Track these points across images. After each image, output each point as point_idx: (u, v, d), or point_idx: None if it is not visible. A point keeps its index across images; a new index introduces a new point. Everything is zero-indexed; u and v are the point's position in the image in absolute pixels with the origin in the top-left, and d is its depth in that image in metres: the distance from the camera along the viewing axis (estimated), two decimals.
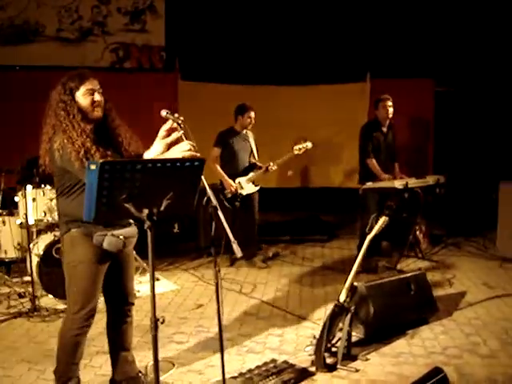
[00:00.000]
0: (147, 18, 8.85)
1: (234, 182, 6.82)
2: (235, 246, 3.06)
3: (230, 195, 6.79)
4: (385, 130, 6.95)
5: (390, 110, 6.79)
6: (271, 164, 6.84)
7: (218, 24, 8.79)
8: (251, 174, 6.91)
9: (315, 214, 9.18)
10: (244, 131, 6.96)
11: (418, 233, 7.27)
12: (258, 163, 6.98)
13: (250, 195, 6.92)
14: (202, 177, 3.00)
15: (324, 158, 8.88)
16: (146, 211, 2.79)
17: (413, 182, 6.58)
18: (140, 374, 3.79)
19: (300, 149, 6.90)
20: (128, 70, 8.74)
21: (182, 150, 3.12)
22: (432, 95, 8.94)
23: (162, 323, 2.92)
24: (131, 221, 3.41)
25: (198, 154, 3.07)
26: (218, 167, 6.83)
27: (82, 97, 3.31)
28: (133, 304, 3.73)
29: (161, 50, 8.97)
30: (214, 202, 3.08)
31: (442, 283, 6.05)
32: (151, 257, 2.86)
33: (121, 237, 3.33)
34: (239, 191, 6.82)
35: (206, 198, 3.13)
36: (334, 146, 8.84)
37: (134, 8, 8.79)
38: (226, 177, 6.79)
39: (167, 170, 2.78)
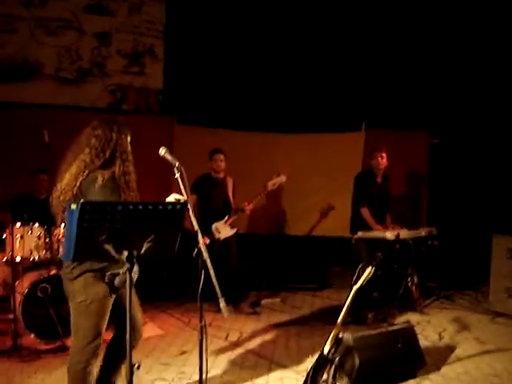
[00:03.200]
0: (146, 61, 8.94)
1: (211, 226, 6.81)
2: (222, 305, 2.99)
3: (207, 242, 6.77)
4: (379, 180, 6.98)
5: (382, 161, 6.84)
6: (245, 204, 6.86)
7: (216, 69, 8.87)
8: (226, 217, 6.93)
9: (309, 262, 9.11)
10: (221, 176, 7.01)
11: (409, 285, 7.18)
12: (233, 206, 7.00)
13: (227, 239, 6.90)
14: (198, 229, 3.01)
15: (317, 206, 8.85)
16: (125, 253, 2.77)
17: (404, 233, 6.58)
18: None
19: (274, 184, 6.97)
20: (125, 111, 8.78)
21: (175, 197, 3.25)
22: (427, 147, 8.97)
23: (137, 369, 2.88)
24: None
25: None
26: (192, 216, 6.82)
27: None
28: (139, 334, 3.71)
29: (158, 93, 9.05)
30: (205, 255, 3.04)
31: (432, 336, 5.96)
32: (129, 299, 2.82)
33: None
34: (216, 236, 6.82)
35: (196, 250, 3.11)
36: (327, 195, 8.83)
37: (133, 51, 8.88)
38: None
39: (148, 212, 2.76)
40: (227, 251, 6.93)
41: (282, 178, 7.03)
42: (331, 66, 9.04)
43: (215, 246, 6.81)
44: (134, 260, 2.79)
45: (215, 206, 6.99)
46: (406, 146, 8.58)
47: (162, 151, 3.36)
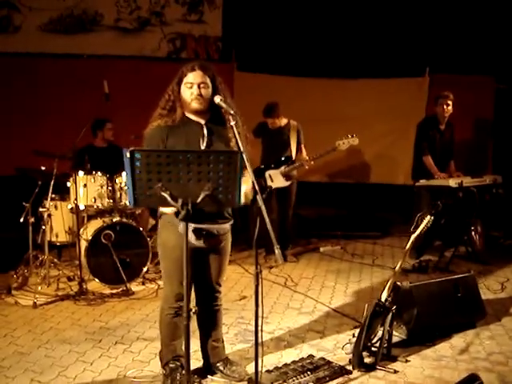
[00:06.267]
0: (204, 8, 8.85)
1: (265, 174, 6.77)
2: (277, 252, 2.98)
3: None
4: (442, 127, 6.80)
5: (448, 108, 6.64)
6: (307, 159, 6.69)
7: (275, 16, 8.72)
8: (283, 168, 6.80)
9: (371, 210, 9.05)
10: (279, 124, 6.86)
11: (473, 234, 7.03)
12: (294, 158, 6.84)
13: (285, 189, 6.83)
14: (254, 179, 3.00)
15: (379, 153, 8.74)
16: (180, 201, 2.78)
17: (468, 181, 6.43)
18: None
19: (344, 143, 6.57)
20: (185, 60, 8.78)
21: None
22: (492, 93, 8.67)
23: (194, 313, 2.95)
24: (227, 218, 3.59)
25: None
26: (248, 165, 6.75)
27: (183, 88, 3.43)
28: (218, 292, 3.82)
29: (217, 40, 8.98)
30: (260, 202, 3.03)
31: (494, 287, 5.85)
32: (186, 248, 2.85)
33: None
34: (268, 183, 6.73)
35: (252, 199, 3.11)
36: (389, 142, 8.69)
37: None
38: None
39: (200, 161, 2.74)
40: (284, 200, 6.89)
41: (355, 140, 6.55)
42: (396, 11, 8.74)
43: (264, 192, 6.77)
44: (189, 208, 2.80)
45: (273, 155, 6.85)
46: (471, 92, 8.27)
47: (217, 99, 3.35)
